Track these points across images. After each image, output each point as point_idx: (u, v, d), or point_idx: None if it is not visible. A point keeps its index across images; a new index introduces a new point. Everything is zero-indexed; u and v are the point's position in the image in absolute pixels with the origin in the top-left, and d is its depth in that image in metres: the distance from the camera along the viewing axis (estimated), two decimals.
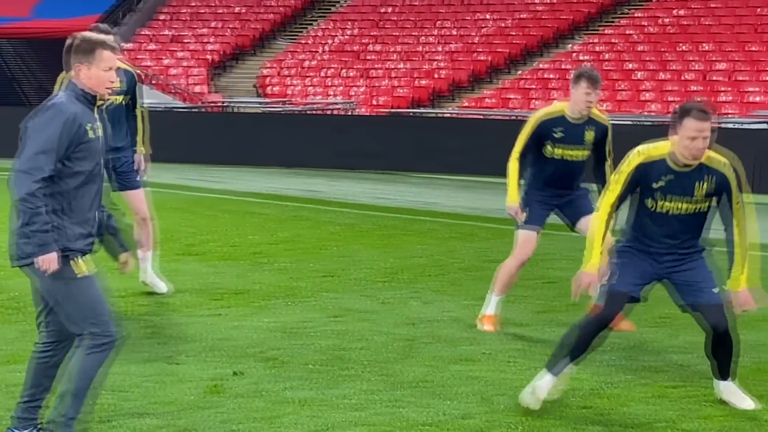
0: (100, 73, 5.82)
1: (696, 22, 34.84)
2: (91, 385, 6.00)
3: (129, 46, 36.11)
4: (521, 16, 36.95)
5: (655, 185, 7.02)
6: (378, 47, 37.22)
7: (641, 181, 7.07)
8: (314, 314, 10.68)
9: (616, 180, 7.16)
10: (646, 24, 35.72)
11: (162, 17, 39.63)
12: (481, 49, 35.68)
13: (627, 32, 35.44)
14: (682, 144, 6.86)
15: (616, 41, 34.74)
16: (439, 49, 36.07)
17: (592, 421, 6.81)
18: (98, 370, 5.97)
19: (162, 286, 11.42)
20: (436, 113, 32.09)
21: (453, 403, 7.64)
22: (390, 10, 40.04)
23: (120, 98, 10.92)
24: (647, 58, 33.42)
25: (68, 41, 5.95)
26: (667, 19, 35.50)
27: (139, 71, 11.12)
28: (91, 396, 6.10)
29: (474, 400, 7.68)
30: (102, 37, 6.12)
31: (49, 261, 5.65)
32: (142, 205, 11.35)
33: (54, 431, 5.92)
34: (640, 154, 7.10)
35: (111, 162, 10.37)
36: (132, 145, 11.20)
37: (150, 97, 30.45)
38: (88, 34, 6.23)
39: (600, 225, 7.20)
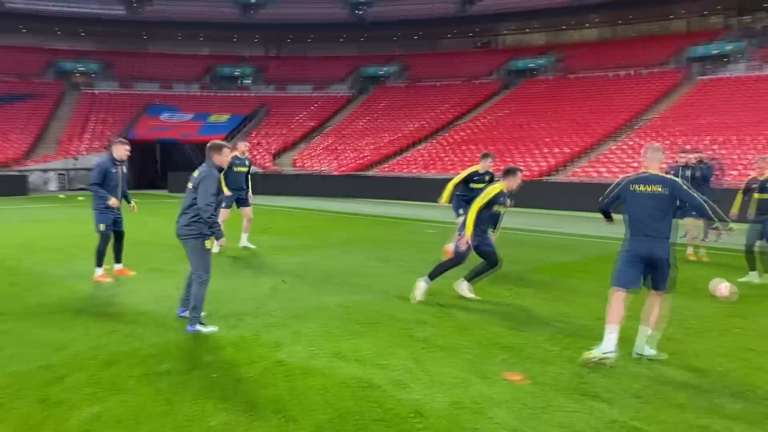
0: (224, 158, 6.44)
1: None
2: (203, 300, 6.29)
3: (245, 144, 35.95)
4: (415, 125, 37.90)
5: (498, 200, 7.68)
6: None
7: (493, 200, 7.64)
8: (313, 256, 10.88)
9: (483, 198, 7.65)
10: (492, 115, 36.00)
11: (254, 133, 40.14)
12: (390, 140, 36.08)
13: (480, 122, 35.00)
14: (516, 183, 7.66)
15: (467, 132, 34.42)
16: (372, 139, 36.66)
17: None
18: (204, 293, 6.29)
19: (253, 247, 11.68)
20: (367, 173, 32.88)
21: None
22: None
23: (246, 169, 11.56)
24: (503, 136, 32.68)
25: (209, 144, 6.45)
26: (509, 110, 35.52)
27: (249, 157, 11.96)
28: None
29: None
30: (223, 143, 6.51)
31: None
32: (249, 212, 11.75)
33: (190, 324, 6.25)
34: (495, 188, 7.69)
35: (239, 195, 11.51)
36: (248, 188, 11.73)
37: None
38: (218, 141, 6.51)
39: (473, 217, 7.58)
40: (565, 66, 40.52)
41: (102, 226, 8.73)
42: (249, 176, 11.87)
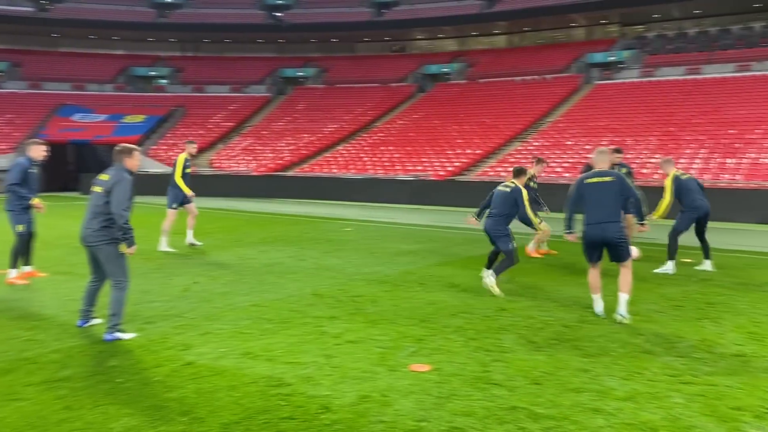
0: (135, 162, 6.07)
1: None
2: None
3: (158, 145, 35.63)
4: (334, 126, 37.89)
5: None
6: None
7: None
8: (227, 256, 10.55)
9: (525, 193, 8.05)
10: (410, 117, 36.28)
11: (170, 134, 38.91)
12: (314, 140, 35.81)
13: (400, 123, 35.46)
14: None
15: (386, 132, 34.67)
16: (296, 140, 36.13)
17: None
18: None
19: (199, 244, 11.94)
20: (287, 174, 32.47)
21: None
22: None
23: (190, 170, 11.72)
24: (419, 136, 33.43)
25: (118, 147, 6.08)
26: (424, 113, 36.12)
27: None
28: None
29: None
30: (134, 146, 6.16)
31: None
32: (194, 209, 12.03)
33: (110, 331, 5.82)
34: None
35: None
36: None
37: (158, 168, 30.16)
38: (128, 144, 6.15)
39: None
40: (475, 71, 41.42)
41: (20, 227, 8.36)
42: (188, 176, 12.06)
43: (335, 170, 30.62)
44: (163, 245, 11.47)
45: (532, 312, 7.05)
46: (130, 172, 6.05)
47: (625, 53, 37.63)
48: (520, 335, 6.11)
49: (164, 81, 45.61)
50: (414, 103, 39.04)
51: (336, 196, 26.44)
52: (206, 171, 32.90)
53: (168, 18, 45.58)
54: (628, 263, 6.66)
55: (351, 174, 29.33)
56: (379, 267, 9.86)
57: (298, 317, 6.72)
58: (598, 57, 37.98)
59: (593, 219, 6.53)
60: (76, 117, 37.79)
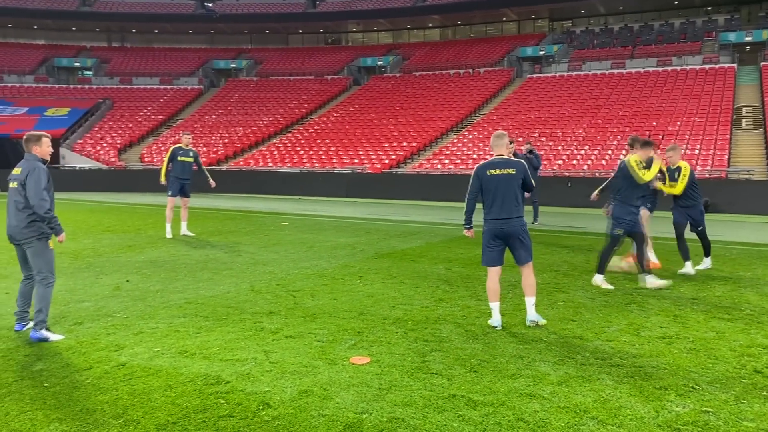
0: (45, 149, 5.78)
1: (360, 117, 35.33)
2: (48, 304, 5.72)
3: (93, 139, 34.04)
4: (270, 118, 37.41)
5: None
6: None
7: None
8: (160, 252, 10.26)
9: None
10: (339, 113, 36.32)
11: (97, 128, 37.39)
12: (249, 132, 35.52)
13: (334, 116, 35.55)
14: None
15: (323, 124, 34.85)
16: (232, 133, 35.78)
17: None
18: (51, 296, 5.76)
19: (192, 234, 12.69)
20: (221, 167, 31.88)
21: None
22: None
23: (190, 159, 12.42)
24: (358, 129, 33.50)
25: (26, 136, 5.81)
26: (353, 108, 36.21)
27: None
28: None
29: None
30: (42, 133, 5.90)
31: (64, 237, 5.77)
32: (188, 202, 12.87)
33: (36, 329, 5.65)
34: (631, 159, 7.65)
35: (183, 183, 12.54)
36: (207, 176, 12.70)
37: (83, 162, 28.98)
38: (35, 132, 5.87)
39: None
40: (409, 64, 41.65)
41: None
42: (201, 167, 12.78)
43: (270, 164, 30.22)
44: (168, 233, 12.37)
45: (469, 302, 7.14)
46: (43, 161, 5.83)
47: (554, 47, 38.65)
48: (458, 324, 6.15)
49: (89, 72, 43.91)
50: (349, 95, 38.95)
51: (271, 190, 26.11)
52: (136, 166, 31.89)
53: (93, 7, 43.85)
54: (531, 264, 6.14)
55: (287, 167, 29.01)
56: (317, 261, 9.78)
57: (235, 313, 6.56)
58: (529, 51, 38.87)
59: (495, 214, 5.93)
60: None
